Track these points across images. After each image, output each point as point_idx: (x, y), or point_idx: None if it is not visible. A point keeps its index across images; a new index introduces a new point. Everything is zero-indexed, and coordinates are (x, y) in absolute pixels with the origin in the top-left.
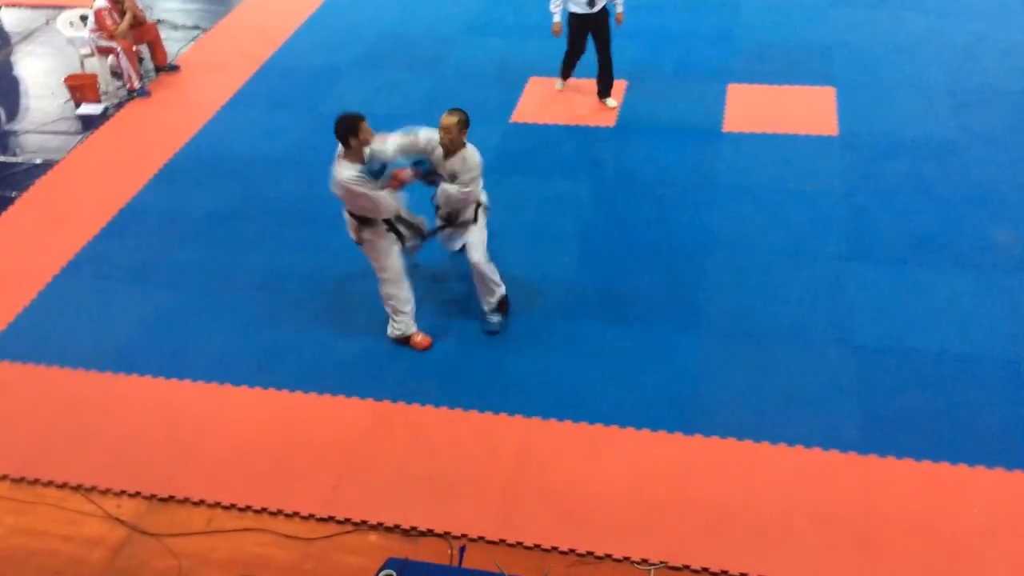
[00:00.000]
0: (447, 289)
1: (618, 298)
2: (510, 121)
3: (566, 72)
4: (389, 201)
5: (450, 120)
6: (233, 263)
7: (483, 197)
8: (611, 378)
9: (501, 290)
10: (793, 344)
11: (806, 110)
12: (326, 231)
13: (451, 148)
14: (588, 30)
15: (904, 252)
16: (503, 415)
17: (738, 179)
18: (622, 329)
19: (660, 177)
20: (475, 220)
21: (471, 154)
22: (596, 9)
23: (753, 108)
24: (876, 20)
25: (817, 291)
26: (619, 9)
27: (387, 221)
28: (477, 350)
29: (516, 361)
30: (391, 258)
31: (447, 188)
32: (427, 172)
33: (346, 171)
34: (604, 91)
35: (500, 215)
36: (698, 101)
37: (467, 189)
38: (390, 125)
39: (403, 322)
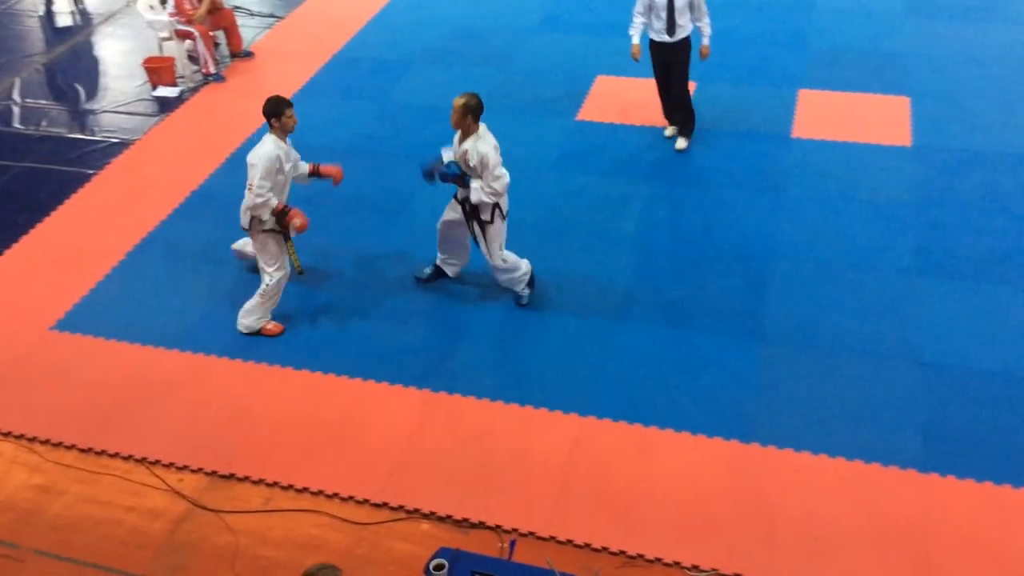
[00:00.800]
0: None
1: (678, 302)
2: (576, 119)
3: (666, 111)
4: (259, 203)
5: (456, 101)
6: (300, 249)
7: (503, 201)
8: (669, 382)
9: (524, 275)
10: (856, 356)
11: (879, 119)
12: (389, 219)
13: (458, 129)
14: (666, 60)
15: (976, 268)
16: (559, 412)
17: (806, 186)
18: (681, 333)
19: (725, 181)
20: (491, 221)
21: (481, 143)
22: (676, 38)
23: (824, 115)
24: (955, 31)
25: (884, 304)
26: (704, 41)
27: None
28: (536, 346)
29: (574, 359)
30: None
31: (472, 185)
32: (455, 175)
33: (266, 147)
34: (685, 131)
35: (562, 213)
36: (768, 105)
37: (490, 189)
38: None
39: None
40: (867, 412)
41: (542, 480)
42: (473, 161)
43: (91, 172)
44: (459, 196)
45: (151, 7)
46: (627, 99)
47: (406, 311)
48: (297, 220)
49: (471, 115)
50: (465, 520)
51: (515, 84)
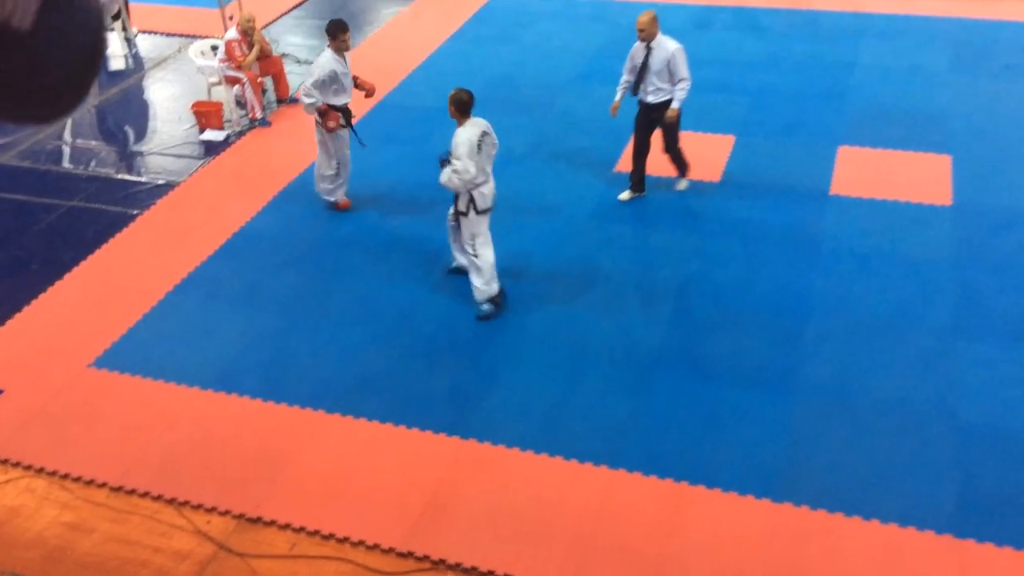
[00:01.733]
0: (530, 330)
1: (712, 356)
2: (614, 170)
3: (632, 176)
4: (307, 103)
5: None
6: (336, 291)
7: (479, 192)
8: (700, 436)
9: (485, 290)
10: (892, 417)
11: (919, 177)
12: (428, 265)
13: (454, 119)
14: (652, 121)
15: (1015, 331)
16: (588, 464)
17: (843, 243)
18: (714, 388)
19: (763, 235)
20: (466, 212)
21: (461, 130)
22: (656, 100)
23: (863, 172)
24: (997, 90)
25: (920, 364)
26: (674, 104)
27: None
28: (566, 397)
29: (605, 411)
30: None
31: (444, 168)
32: (442, 160)
33: (323, 58)
34: (680, 171)
35: (597, 261)
36: (806, 161)
37: (456, 168)
38: (497, 167)
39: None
40: (902, 474)
41: (570, 533)
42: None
43: (136, 212)
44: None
45: (202, 53)
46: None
47: (439, 357)
48: (331, 122)
49: (455, 107)
50: (491, 572)
51: (554, 133)
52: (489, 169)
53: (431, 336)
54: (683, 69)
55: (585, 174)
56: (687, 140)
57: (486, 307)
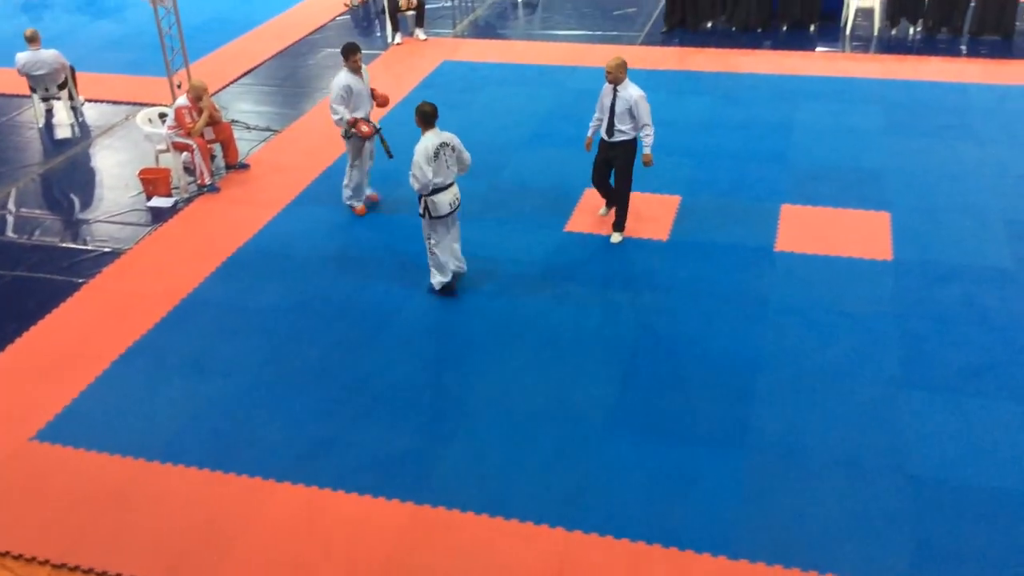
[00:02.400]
0: (483, 391)
1: (665, 413)
2: (564, 230)
3: (604, 196)
4: (334, 119)
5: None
6: (286, 357)
7: (432, 200)
8: (656, 494)
9: (437, 279)
10: (843, 470)
11: (860, 233)
12: (378, 328)
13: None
14: (606, 157)
15: (959, 381)
16: (544, 526)
17: (790, 299)
18: (668, 445)
19: (711, 292)
20: (422, 215)
21: (422, 139)
22: (614, 139)
23: (807, 229)
24: (930, 148)
25: (869, 416)
26: (645, 149)
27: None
28: (521, 458)
29: (560, 471)
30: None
31: None
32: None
33: (338, 77)
34: (616, 224)
35: (550, 321)
36: (751, 220)
37: (412, 171)
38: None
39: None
40: (855, 526)
41: None
42: None
43: (81, 281)
44: None
45: (149, 120)
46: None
47: (393, 421)
48: (363, 127)
49: (419, 118)
50: None
51: (505, 195)
52: (450, 179)
53: (384, 399)
54: (645, 115)
55: (536, 234)
56: (635, 200)
57: (436, 286)
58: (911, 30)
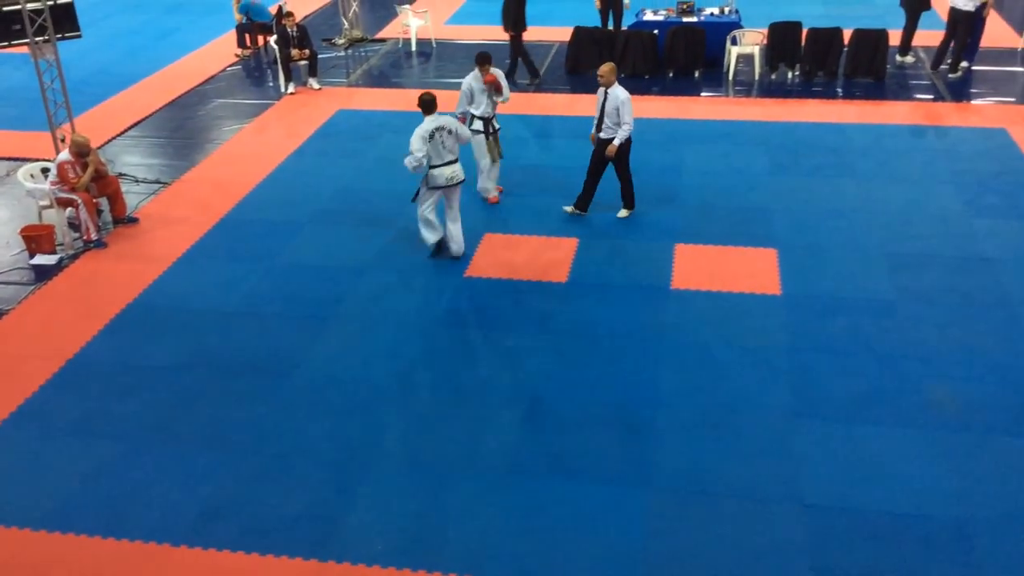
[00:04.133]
0: (387, 441)
1: (569, 453)
2: (464, 275)
3: (581, 195)
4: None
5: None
6: (180, 415)
7: (431, 172)
8: (564, 535)
9: (428, 238)
10: (743, 501)
11: (750, 270)
12: (275, 383)
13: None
14: (599, 152)
15: (849, 409)
16: (453, 575)
17: (686, 336)
18: (573, 485)
19: (610, 332)
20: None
21: (421, 123)
22: (604, 136)
23: (700, 267)
24: (812, 186)
25: (766, 447)
26: (616, 141)
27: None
28: (428, 508)
29: (468, 519)
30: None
31: None
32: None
33: (422, 123)
34: (624, 203)
35: (451, 367)
36: (647, 259)
37: (409, 150)
38: (347, 277)
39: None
40: (755, 556)
41: None
42: None
43: None
44: None
45: (31, 176)
46: (514, 255)
47: (292, 477)
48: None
49: (421, 106)
50: None
51: (403, 242)
52: (449, 157)
53: (283, 454)
54: (626, 115)
55: (436, 281)
56: (533, 244)
57: (429, 245)
58: (790, 74)
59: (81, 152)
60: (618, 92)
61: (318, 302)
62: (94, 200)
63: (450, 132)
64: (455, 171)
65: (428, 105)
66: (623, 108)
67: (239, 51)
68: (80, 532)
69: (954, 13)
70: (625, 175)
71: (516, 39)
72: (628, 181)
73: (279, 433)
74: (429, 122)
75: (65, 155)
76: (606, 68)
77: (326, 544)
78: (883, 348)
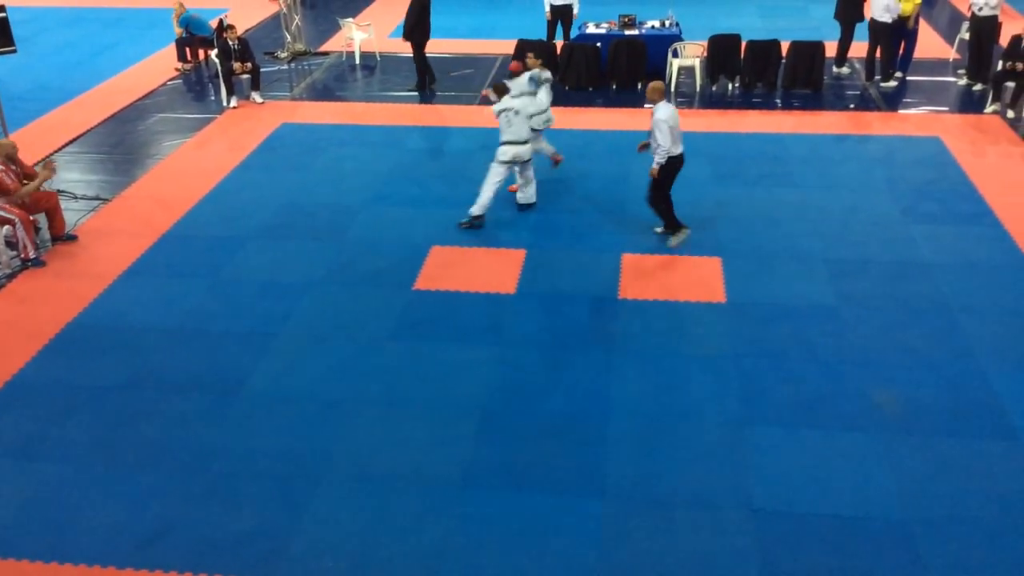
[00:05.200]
0: (335, 458)
1: (521, 465)
2: (413, 288)
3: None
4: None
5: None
6: (123, 436)
7: (501, 148)
8: (517, 548)
9: (479, 204)
10: (693, 508)
11: (695, 278)
12: (220, 401)
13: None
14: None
15: (794, 414)
16: None
17: (635, 345)
18: (526, 496)
19: (560, 342)
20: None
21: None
22: (649, 151)
23: (646, 276)
24: (754, 195)
25: (715, 454)
26: (655, 164)
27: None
28: (377, 525)
29: (419, 534)
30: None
31: None
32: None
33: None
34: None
35: (402, 381)
36: (595, 269)
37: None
38: (294, 293)
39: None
40: (707, 562)
41: None
42: None
43: None
44: None
45: None
46: (462, 267)
47: (239, 497)
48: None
49: (495, 91)
50: None
51: (350, 256)
52: (516, 139)
53: (229, 475)
54: (659, 135)
55: (384, 294)
56: (481, 256)
57: (467, 218)
58: (730, 86)
59: (9, 158)
60: (656, 111)
61: (264, 317)
62: (31, 218)
63: (516, 112)
64: (519, 151)
65: (500, 90)
66: (655, 128)
67: (180, 65)
68: (21, 557)
69: (873, 24)
70: (654, 197)
71: (418, 48)
72: (657, 203)
73: (226, 451)
74: (501, 103)
75: None
76: (651, 87)
77: (275, 562)
78: (826, 353)
